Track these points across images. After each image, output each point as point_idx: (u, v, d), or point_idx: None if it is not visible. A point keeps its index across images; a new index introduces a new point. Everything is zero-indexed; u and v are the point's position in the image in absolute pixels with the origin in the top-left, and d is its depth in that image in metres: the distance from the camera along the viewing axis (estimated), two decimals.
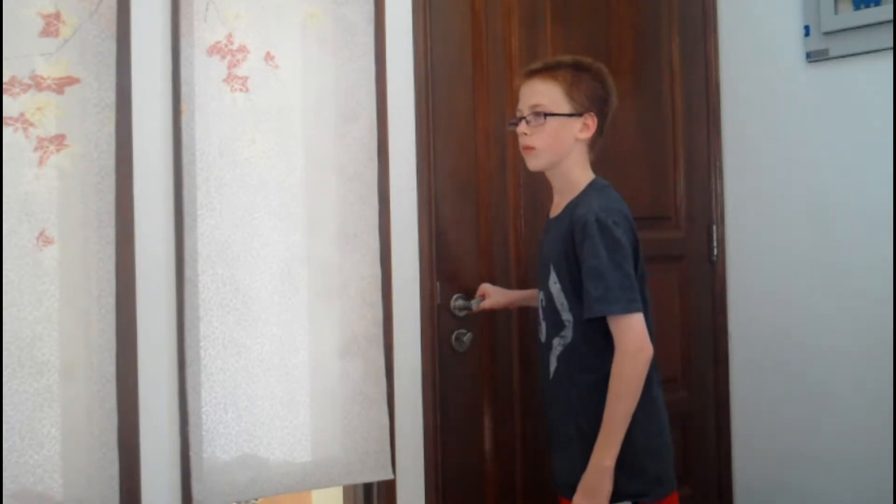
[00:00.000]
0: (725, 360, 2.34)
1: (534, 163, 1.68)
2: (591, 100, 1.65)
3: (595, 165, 1.72)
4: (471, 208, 2.03)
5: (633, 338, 1.53)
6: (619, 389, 1.53)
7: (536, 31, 2.15)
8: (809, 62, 2.09)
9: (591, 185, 1.67)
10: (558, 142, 1.65)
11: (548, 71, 1.67)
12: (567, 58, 1.70)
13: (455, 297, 1.97)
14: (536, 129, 1.65)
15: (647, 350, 1.54)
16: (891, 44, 1.95)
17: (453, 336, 1.97)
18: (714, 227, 2.36)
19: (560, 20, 2.18)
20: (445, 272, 1.97)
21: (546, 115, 1.64)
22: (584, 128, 1.65)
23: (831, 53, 2.06)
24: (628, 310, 1.53)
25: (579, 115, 1.64)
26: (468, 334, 1.98)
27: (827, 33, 2.05)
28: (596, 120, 1.66)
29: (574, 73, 1.66)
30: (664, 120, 2.35)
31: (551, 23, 2.17)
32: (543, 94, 1.65)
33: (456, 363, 1.97)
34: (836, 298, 2.09)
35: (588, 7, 2.24)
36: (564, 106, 1.64)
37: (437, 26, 1.98)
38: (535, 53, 2.12)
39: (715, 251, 2.35)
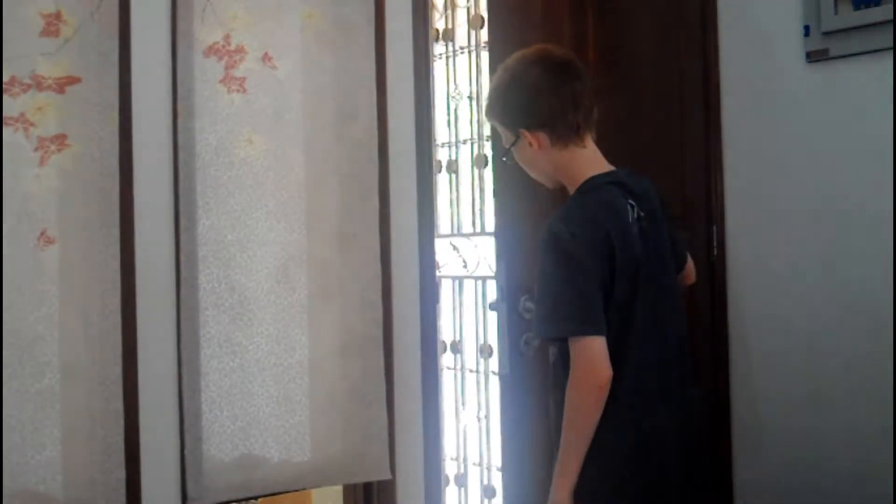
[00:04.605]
0: (725, 360, 2.34)
1: (546, 186, 1.65)
2: (517, 117, 1.54)
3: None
4: None
5: (581, 363, 1.39)
6: (567, 418, 1.42)
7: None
8: (809, 62, 2.09)
9: (577, 190, 1.54)
10: (533, 166, 1.59)
11: (486, 113, 1.62)
12: (491, 87, 1.60)
13: (523, 298, 1.87)
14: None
15: (595, 376, 1.38)
16: (891, 44, 1.95)
17: (522, 339, 1.88)
18: (714, 227, 2.36)
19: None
20: (508, 272, 1.88)
21: (506, 154, 1.60)
22: (532, 143, 1.53)
23: (831, 53, 2.05)
24: (577, 332, 1.40)
25: (518, 137, 1.55)
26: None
27: (827, 33, 2.05)
28: (533, 131, 1.52)
29: (493, 104, 1.58)
30: (664, 120, 2.35)
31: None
32: (500, 134, 1.62)
33: (522, 367, 1.88)
34: (836, 298, 2.09)
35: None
36: (509, 136, 1.57)
37: None
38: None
39: (715, 251, 2.35)
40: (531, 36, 1.95)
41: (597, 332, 1.39)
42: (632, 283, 1.45)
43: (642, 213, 1.52)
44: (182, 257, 1.65)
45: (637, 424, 1.46)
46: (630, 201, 1.51)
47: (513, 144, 1.56)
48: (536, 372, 1.88)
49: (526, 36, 1.95)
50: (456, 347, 2.66)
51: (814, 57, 2.10)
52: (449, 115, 2.66)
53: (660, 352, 1.50)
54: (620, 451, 1.45)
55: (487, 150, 2.54)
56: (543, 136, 1.52)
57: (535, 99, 1.52)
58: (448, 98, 2.64)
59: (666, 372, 1.52)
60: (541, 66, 1.53)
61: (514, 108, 1.54)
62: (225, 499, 1.69)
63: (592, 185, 1.52)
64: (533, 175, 1.62)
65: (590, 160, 1.55)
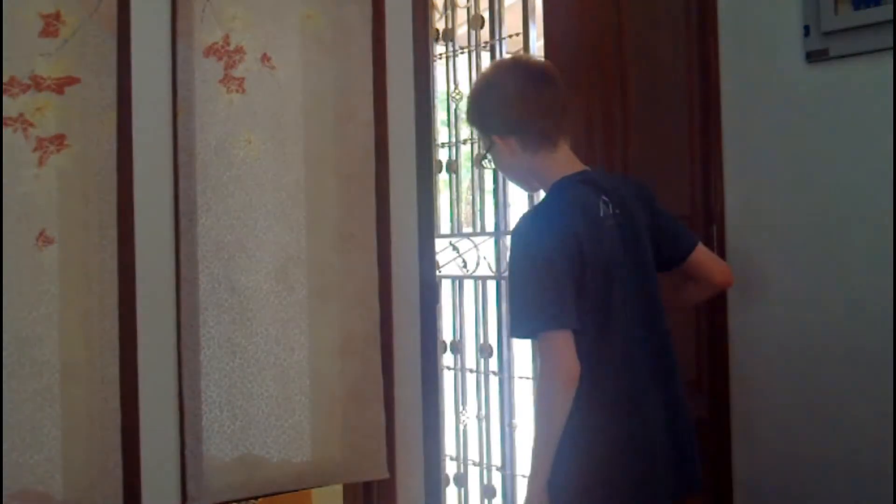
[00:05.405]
0: (725, 361, 2.34)
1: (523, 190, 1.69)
2: (490, 123, 1.57)
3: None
4: None
5: (548, 358, 1.41)
6: (537, 414, 1.44)
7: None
8: (809, 62, 2.09)
9: (549, 190, 1.56)
10: (508, 170, 1.64)
11: (465, 119, 1.65)
12: (468, 93, 1.64)
13: None
14: None
15: (562, 373, 1.38)
16: (891, 44, 1.95)
17: None
18: (714, 227, 2.36)
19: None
20: None
21: (484, 157, 1.63)
22: (504, 149, 1.55)
23: (831, 53, 2.05)
24: (542, 329, 1.41)
25: (492, 143, 1.57)
26: None
27: (827, 33, 2.05)
28: (504, 137, 1.54)
29: (469, 110, 1.62)
30: (663, 121, 2.35)
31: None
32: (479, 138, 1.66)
33: None
34: (836, 298, 2.09)
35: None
36: (485, 142, 1.60)
37: None
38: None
39: (715, 251, 2.35)
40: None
41: (562, 326, 1.39)
42: (606, 278, 1.46)
43: (616, 210, 1.54)
44: (182, 257, 1.65)
45: (623, 418, 1.48)
46: (603, 197, 1.53)
47: (488, 149, 1.59)
48: None
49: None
50: (456, 347, 2.67)
51: (814, 57, 2.09)
52: (449, 115, 2.66)
53: (641, 346, 1.51)
54: (607, 446, 1.46)
55: None
56: (514, 142, 1.54)
57: (506, 107, 1.55)
58: (448, 98, 2.65)
59: (649, 365, 1.53)
60: (514, 75, 1.56)
61: (488, 114, 1.58)
62: (225, 499, 1.69)
63: (563, 185, 1.54)
64: (509, 179, 1.66)
65: (561, 162, 1.57)
